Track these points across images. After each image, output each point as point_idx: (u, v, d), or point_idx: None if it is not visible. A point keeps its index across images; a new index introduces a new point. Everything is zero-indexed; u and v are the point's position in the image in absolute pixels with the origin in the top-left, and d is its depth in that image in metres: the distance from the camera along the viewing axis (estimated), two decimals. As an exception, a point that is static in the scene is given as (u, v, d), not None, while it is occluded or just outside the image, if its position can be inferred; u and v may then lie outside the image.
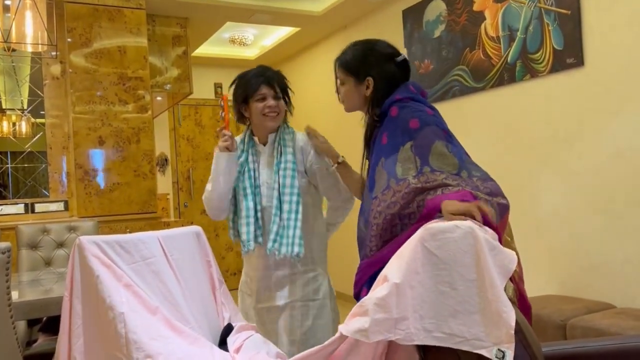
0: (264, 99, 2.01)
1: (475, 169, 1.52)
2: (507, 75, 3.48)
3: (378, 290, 1.16)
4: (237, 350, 1.58)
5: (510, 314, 1.09)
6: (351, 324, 1.16)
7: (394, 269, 1.18)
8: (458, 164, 1.50)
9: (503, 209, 1.41)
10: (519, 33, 3.38)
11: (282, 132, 2.07)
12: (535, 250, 3.31)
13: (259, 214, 2.05)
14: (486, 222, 1.28)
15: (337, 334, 1.20)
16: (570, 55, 3.08)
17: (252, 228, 2.01)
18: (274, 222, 1.98)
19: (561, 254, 3.19)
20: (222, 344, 1.67)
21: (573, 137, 3.11)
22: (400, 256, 1.20)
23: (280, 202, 2.01)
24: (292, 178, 2.00)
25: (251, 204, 2.04)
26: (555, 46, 3.16)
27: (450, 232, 1.16)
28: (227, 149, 2.04)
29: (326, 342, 1.22)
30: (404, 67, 1.71)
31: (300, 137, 2.08)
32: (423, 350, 1.18)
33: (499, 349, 1.08)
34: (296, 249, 1.94)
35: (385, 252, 1.47)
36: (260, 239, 2.03)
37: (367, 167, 1.75)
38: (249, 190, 2.06)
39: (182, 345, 1.47)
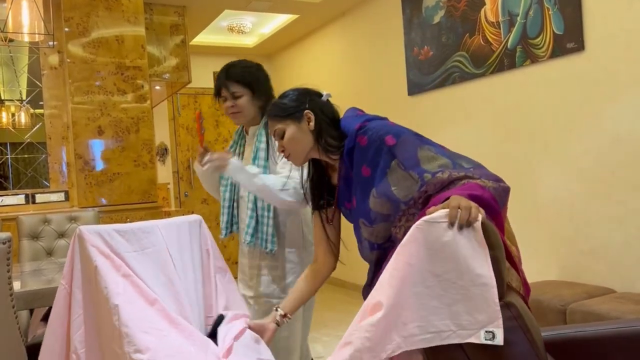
0: (225, 100, 2.10)
1: (465, 161, 1.50)
2: (507, 61, 3.46)
3: (368, 319, 1.16)
4: (228, 353, 1.56)
5: (491, 291, 1.08)
6: (343, 355, 1.15)
7: (381, 292, 1.17)
8: (450, 162, 1.48)
9: (506, 194, 1.41)
10: (519, 18, 3.35)
11: (263, 123, 2.10)
12: (535, 235, 3.32)
13: (235, 204, 2.14)
14: (493, 209, 1.28)
15: None
16: (570, 39, 3.06)
17: (226, 218, 2.12)
18: (250, 216, 2.03)
19: (561, 239, 3.20)
20: (213, 335, 1.66)
21: (573, 122, 3.10)
22: (382, 278, 1.20)
23: (230, 199, 2.14)
24: (264, 168, 2.03)
25: (227, 195, 2.15)
26: (555, 31, 3.14)
27: (410, 235, 1.16)
28: (219, 168, 1.97)
29: None
30: (330, 103, 1.71)
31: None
32: (426, 349, 1.19)
33: (486, 331, 1.08)
34: (269, 246, 2.01)
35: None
36: (235, 228, 2.11)
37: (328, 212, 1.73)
38: (227, 181, 2.15)
39: (176, 339, 1.46)
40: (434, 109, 4.11)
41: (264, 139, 2.08)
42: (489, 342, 1.08)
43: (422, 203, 1.43)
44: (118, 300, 1.42)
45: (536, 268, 3.26)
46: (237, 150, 2.22)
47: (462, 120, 3.85)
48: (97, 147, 3.91)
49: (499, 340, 1.07)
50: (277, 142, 1.69)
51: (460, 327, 1.10)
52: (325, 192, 1.74)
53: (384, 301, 1.15)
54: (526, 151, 3.40)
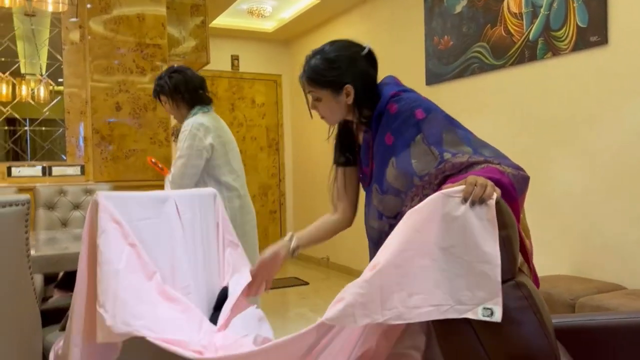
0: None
1: (488, 151, 1.50)
2: (528, 53, 3.42)
3: (362, 274, 1.16)
4: (225, 326, 1.55)
5: (495, 270, 1.08)
6: (334, 310, 1.13)
7: (380, 254, 1.17)
8: (472, 150, 1.47)
9: (525, 183, 1.40)
10: (542, 9, 3.31)
11: (187, 119, 2.61)
12: (548, 229, 3.30)
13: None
14: (510, 195, 1.27)
15: (318, 322, 1.16)
16: (594, 33, 3.02)
17: None
18: None
19: (574, 234, 3.17)
20: (217, 310, 1.67)
21: (593, 117, 3.07)
22: (386, 243, 1.20)
23: None
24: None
25: None
26: (579, 23, 3.10)
27: (423, 204, 1.16)
28: None
29: (303, 330, 1.17)
30: (371, 57, 1.62)
31: (186, 122, 2.57)
32: (435, 326, 1.18)
33: (484, 308, 1.08)
34: None
35: None
36: None
37: (338, 174, 1.73)
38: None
39: (171, 313, 1.46)
40: (452, 100, 4.08)
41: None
42: (487, 319, 1.08)
43: (438, 184, 1.43)
44: (120, 266, 1.43)
45: (547, 262, 3.24)
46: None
47: (479, 112, 3.83)
48: (115, 123, 3.94)
49: (497, 317, 1.07)
50: (309, 97, 1.62)
51: (458, 302, 1.10)
52: (348, 151, 1.73)
53: (381, 261, 1.15)
54: (543, 145, 3.37)
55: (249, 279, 1.68)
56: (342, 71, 1.55)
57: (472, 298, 1.09)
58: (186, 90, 2.58)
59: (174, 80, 2.57)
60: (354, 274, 5.41)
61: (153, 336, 1.33)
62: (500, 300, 1.07)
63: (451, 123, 1.51)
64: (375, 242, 1.63)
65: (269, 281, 1.71)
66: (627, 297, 2.54)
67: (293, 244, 1.66)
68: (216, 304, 1.69)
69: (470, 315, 1.09)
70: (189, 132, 2.53)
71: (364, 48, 1.60)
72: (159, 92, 2.60)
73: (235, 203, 2.63)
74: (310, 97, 1.62)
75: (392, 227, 1.56)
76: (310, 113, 1.68)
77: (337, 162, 1.74)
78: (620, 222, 2.91)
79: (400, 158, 1.50)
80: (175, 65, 2.70)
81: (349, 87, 1.56)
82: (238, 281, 1.71)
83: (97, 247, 1.44)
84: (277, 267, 1.68)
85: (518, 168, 1.41)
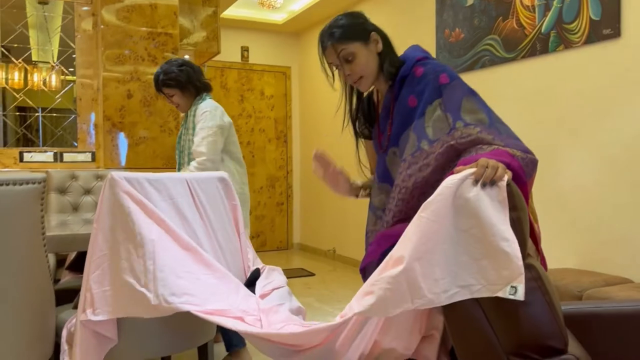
0: (167, 98, 2.84)
1: (502, 126, 1.51)
2: (540, 46, 3.41)
3: (389, 271, 1.18)
4: (264, 296, 1.62)
5: (513, 246, 1.09)
6: (365, 304, 1.18)
7: (402, 247, 1.19)
8: (488, 120, 1.49)
9: (534, 166, 1.41)
10: (555, 2, 3.30)
11: (194, 105, 2.78)
12: (557, 222, 3.30)
13: (181, 168, 2.84)
14: (519, 178, 1.28)
15: (350, 314, 1.21)
16: (607, 26, 3.01)
17: None
18: None
19: (582, 228, 3.17)
20: (250, 286, 1.71)
21: (604, 110, 3.06)
22: (405, 234, 1.22)
23: (179, 164, 2.85)
24: (189, 142, 2.75)
25: (177, 160, 2.89)
26: (592, 16, 3.09)
27: (437, 191, 1.17)
28: None
29: (339, 321, 1.24)
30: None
31: (202, 105, 2.74)
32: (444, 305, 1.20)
33: (511, 286, 1.09)
34: None
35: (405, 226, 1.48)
36: None
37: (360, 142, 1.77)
38: (177, 151, 2.89)
39: (209, 281, 1.51)
40: (461, 93, 4.07)
41: (190, 121, 2.79)
42: (512, 297, 1.09)
43: (442, 153, 1.44)
44: (153, 246, 1.46)
45: (556, 255, 3.24)
46: (182, 126, 2.89)
47: (489, 105, 3.82)
48: (126, 110, 3.97)
49: (520, 295, 1.08)
50: (342, 68, 1.62)
51: (489, 282, 1.12)
52: (370, 123, 1.76)
53: (405, 255, 1.16)
54: (553, 138, 3.36)
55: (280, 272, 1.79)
56: (365, 21, 1.63)
57: (499, 277, 1.10)
58: (197, 79, 2.79)
59: (185, 73, 2.74)
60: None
61: (195, 309, 1.39)
62: (523, 278, 1.08)
63: (472, 93, 1.53)
64: (375, 208, 1.65)
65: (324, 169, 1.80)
66: (634, 290, 2.53)
67: (360, 183, 1.78)
68: (248, 282, 1.72)
69: (500, 294, 1.10)
70: (210, 112, 2.71)
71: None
72: (172, 85, 2.74)
73: (245, 179, 2.89)
74: (340, 61, 1.59)
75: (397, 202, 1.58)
76: (334, 79, 1.67)
77: (363, 134, 1.77)
78: (629, 216, 2.91)
79: (418, 122, 1.51)
80: (177, 58, 2.90)
81: (374, 34, 1.61)
82: (271, 273, 1.77)
83: (125, 228, 1.47)
84: (334, 179, 1.78)
85: (527, 151, 1.41)
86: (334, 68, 1.65)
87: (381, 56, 1.62)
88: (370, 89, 1.72)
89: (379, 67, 1.62)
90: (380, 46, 1.61)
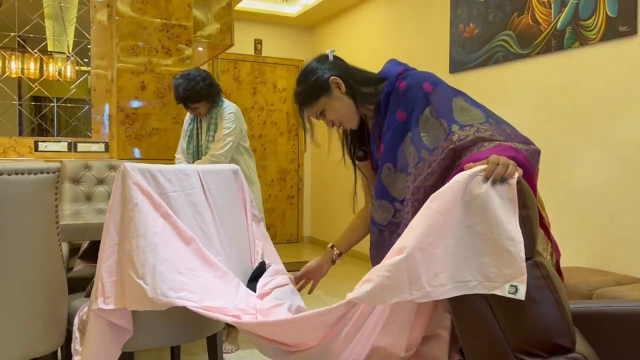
0: (191, 109, 3.08)
1: (499, 119, 1.51)
2: (555, 42, 3.38)
3: (390, 259, 1.19)
4: (263, 296, 1.62)
5: (518, 246, 1.10)
6: (361, 291, 1.19)
7: (405, 238, 1.20)
8: (483, 115, 1.48)
9: (537, 156, 1.41)
10: (571, -2, 3.26)
11: (214, 108, 3.07)
12: (567, 221, 3.28)
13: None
14: (526, 169, 1.28)
15: (345, 300, 1.22)
16: (623, 23, 2.97)
17: None
18: None
19: (593, 227, 3.15)
20: (252, 281, 1.72)
21: (618, 108, 3.03)
22: (410, 225, 1.22)
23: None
24: (209, 143, 3.03)
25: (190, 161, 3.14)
26: (608, 13, 3.05)
27: (446, 186, 1.18)
28: None
29: (334, 305, 1.25)
30: (338, 58, 1.69)
31: (226, 107, 3.05)
32: (452, 301, 1.21)
33: (510, 285, 1.09)
34: None
35: None
36: None
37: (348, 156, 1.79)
38: (191, 151, 3.16)
39: (209, 279, 1.51)
40: (475, 89, 4.05)
41: (213, 120, 3.06)
42: (511, 296, 1.09)
43: (444, 159, 1.44)
44: (156, 239, 1.47)
45: (566, 254, 3.22)
46: (194, 126, 3.18)
47: (502, 101, 3.80)
48: (139, 101, 4.00)
49: (521, 294, 1.09)
50: (324, 120, 1.72)
51: (487, 279, 1.12)
52: (363, 144, 1.76)
53: (408, 245, 1.17)
54: (566, 136, 3.33)
55: (285, 273, 1.79)
56: (319, 72, 1.63)
57: (499, 275, 1.11)
58: (219, 89, 3.12)
59: (211, 86, 3.02)
60: (370, 260, 5.41)
61: (192, 305, 1.39)
62: (525, 278, 1.09)
63: (459, 93, 1.53)
64: (377, 225, 1.66)
65: (314, 284, 1.84)
66: (645, 290, 2.52)
67: (335, 253, 1.80)
68: (253, 275, 1.73)
69: (498, 292, 1.10)
70: (235, 114, 3.06)
71: (327, 55, 1.68)
72: (202, 100, 2.99)
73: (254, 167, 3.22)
74: (317, 117, 1.69)
75: (396, 211, 1.59)
76: (312, 132, 1.77)
77: (357, 157, 1.78)
78: (642, 216, 2.88)
79: (414, 132, 1.51)
80: (194, 71, 3.07)
81: (333, 80, 1.62)
82: (276, 271, 1.77)
83: (131, 220, 1.48)
84: (321, 275, 1.82)
85: (527, 142, 1.42)
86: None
87: (350, 93, 1.63)
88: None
89: (354, 102, 1.64)
90: (343, 87, 1.62)
